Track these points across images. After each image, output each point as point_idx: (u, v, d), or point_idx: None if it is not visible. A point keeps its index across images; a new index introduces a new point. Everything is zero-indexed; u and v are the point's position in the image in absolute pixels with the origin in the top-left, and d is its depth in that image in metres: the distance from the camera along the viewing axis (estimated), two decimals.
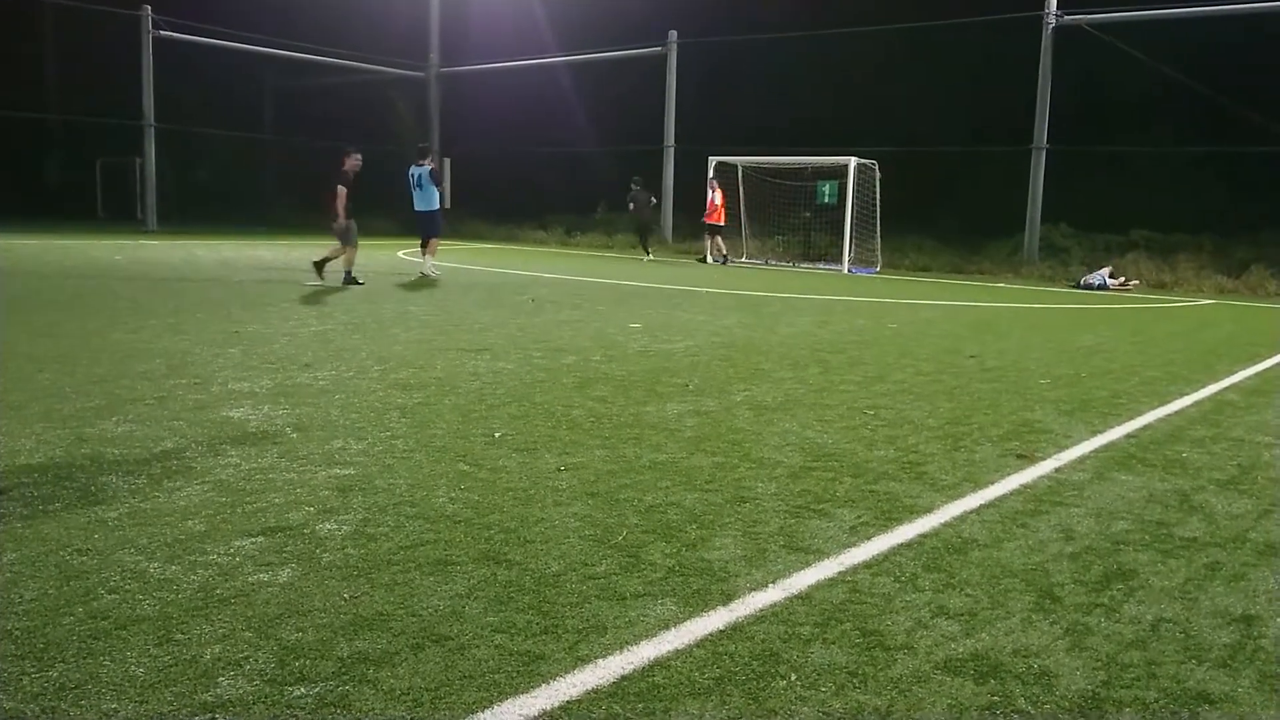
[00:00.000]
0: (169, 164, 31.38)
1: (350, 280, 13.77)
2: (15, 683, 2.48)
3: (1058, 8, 22.89)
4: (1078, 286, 19.87)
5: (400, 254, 22.09)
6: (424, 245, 16.31)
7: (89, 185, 35.73)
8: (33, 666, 2.56)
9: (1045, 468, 5.04)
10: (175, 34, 29.27)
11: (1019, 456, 5.24)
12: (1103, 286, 19.70)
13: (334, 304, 11.53)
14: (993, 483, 4.71)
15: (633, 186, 24.33)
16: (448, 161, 35.81)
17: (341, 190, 13.51)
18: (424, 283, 15.11)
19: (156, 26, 29.04)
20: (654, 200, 25.78)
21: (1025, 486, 4.68)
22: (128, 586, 3.09)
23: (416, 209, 16.16)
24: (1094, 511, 4.30)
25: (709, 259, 24.02)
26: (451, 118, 36.20)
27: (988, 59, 25.77)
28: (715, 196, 23.72)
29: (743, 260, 24.82)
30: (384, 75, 34.80)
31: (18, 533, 3.52)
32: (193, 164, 34.68)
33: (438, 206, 16.29)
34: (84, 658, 2.62)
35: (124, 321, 9.21)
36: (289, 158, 37.39)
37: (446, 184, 35.15)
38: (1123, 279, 20.34)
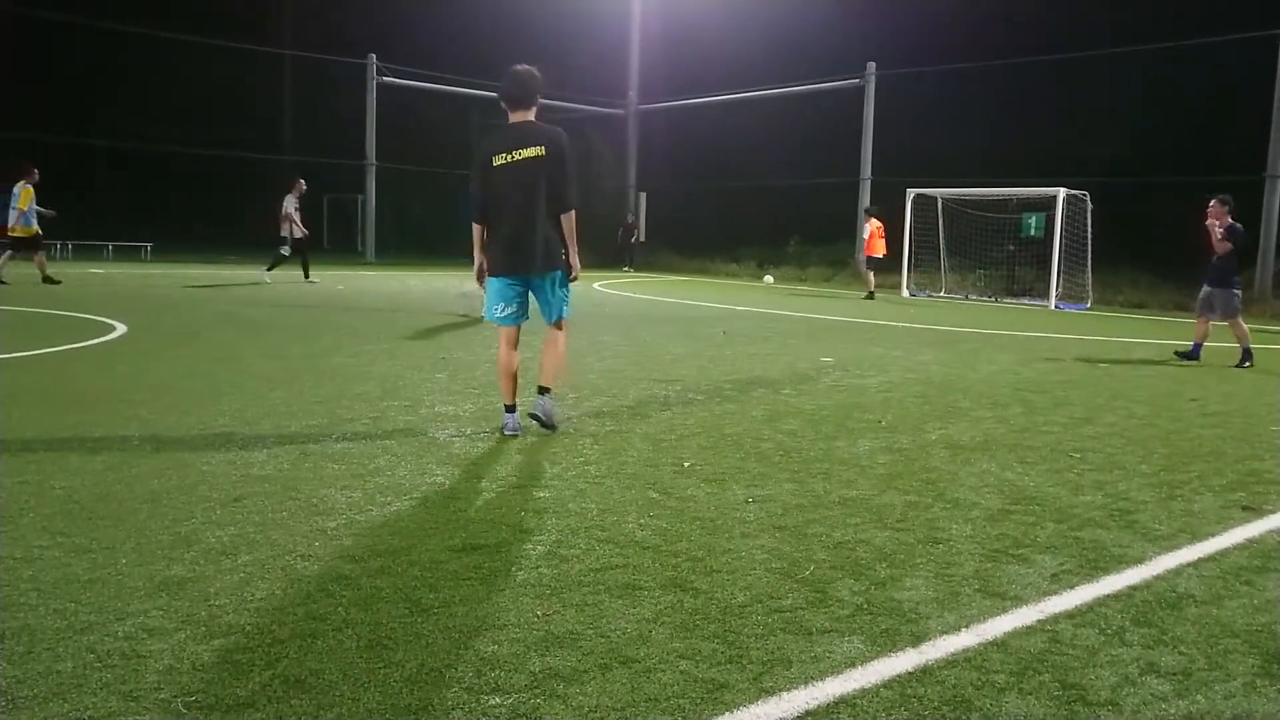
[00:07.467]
0: (387, 199, 33.62)
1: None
2: (246, 674, 2.71)
3: None
4: None
5: (596, 285, 22.72)
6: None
7: (316, 220, 38.74)
8: (260, 660, 2.80)
9: (1275, 522, 4.63)
10: (396, 79, 31.40)
11: (1244, 508, 4.85)
12: None
13: (533, 335, 11.95)
14: (1213, 535, 4.37)
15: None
16: (644, 196, 36.65)
17: None
18: (613, 315, 15.41)
19: (380, 73, 31.28)
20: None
21: (1251, 541, 4.32)
22: (342, 593, 3.33)
23: None
24: None
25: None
26: (645, 153, 36.98)
27: (1212, 83, 24.08)
28: (872, 227, 22.59)
29: (941, 294, 24.08)
30: (583, 113, 35.97)
31: (250, 537, 3.85)
32: (407, 200, 37.00)
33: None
34: (304, 655, 2.84)
35: (345, 347, 9.91)
36: None
37: (640, 219, 35.92)
38: None
